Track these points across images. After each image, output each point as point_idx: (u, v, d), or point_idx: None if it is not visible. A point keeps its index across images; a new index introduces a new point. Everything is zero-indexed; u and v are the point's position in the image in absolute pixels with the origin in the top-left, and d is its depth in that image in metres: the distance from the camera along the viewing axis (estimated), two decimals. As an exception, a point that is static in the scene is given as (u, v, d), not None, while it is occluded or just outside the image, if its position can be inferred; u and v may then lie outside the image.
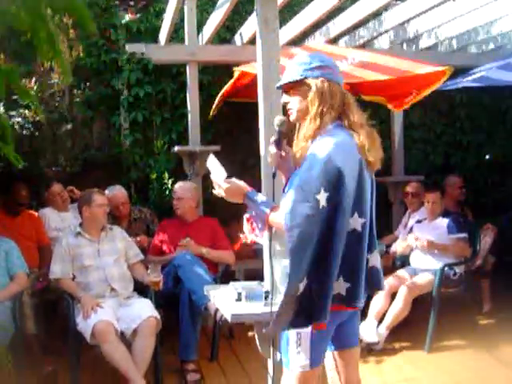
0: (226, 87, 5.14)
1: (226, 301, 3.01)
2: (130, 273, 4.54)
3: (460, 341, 5.05)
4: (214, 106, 5.68)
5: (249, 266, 6.23)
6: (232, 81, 5.08)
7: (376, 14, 6.15)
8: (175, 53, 6.13)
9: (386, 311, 4.95)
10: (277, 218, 2.37)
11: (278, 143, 2.47)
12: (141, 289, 4.54)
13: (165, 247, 5.07)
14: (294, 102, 2.43)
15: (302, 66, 2.42)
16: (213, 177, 2.59)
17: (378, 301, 4.97)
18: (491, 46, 6.88)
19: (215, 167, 2.61)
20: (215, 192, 2.59)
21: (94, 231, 4.50)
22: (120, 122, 6.57)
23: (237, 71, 4.87)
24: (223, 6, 5.01)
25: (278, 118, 2.47)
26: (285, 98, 2.46)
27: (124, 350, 3.94)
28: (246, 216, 2.58)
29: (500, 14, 5.85)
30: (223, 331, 5.00)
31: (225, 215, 6.42)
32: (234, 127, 6.84)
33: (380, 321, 4.95)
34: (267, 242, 2.59)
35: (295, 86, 2.42)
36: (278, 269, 3.00)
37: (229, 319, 2.79)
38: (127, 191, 5.71)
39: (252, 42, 5.81)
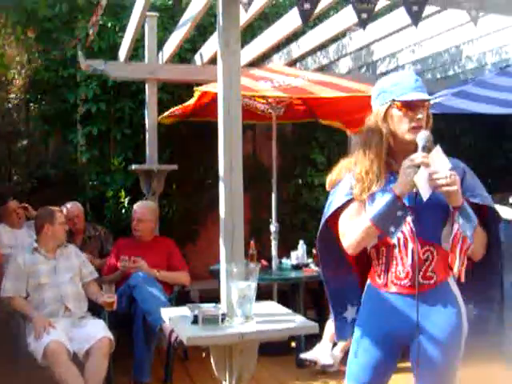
0: (186, 105, 5.09)
1: (182, 323, 2.97)
2: (84, 292, 4.47)
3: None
4: (166, 113, 5.57)
5: (203, 286, 6.21)
6: (193, 101, 5.05)
7: (336, 39, 6.23)
8: (134, 70, 6.09)
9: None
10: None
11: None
12: (94, 309, 4.46)
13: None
14: (424, 120, 2.36)
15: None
16: (437, 167, 2.23)
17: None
18: (448, 72, 7.03)
19: (440, 158, 2.28)
20: (443, 186, 2.18)
21: (51, 248, 4.44)
22: (77, 139, 6.49)
23: (197, 91, 4.86)
24: (185, 25, 5.02)
25: (427, 135, 2.30)
26: (423, 113, 2.35)
27: (76, 372, 3.85)
28: (455, 229, 2.24)
29: (456, 42, 6.00)
30: (178, 352, 4.94)
31: (180, 235, 6.40)
32: (191, 146, 6.83)
33: (335, 343, 4.96)
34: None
35: (427, 106, 2.37)
36: (234, 291, 2.99)
37: (185, 342, 2.75)
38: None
39: (212, 62, 5.83)
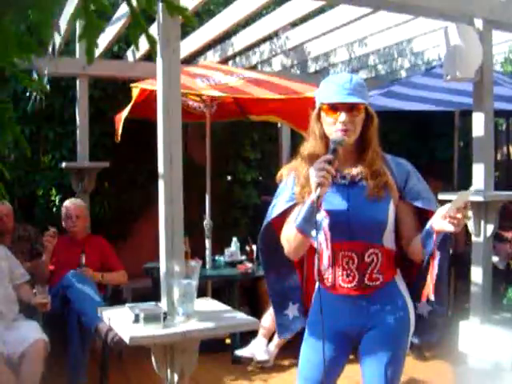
0: (129, 108, 4.92)
1: (123, 323, 2.94)
2: (15, 294, 4.33)
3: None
4: (119, 130, 5.41)
5: (136, 284, 6.14)
6: (133, 100, 4.91)
7: (268, 38, 6.28)
8: (66, 66, 5.93)
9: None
10: None
11: (331, 162, 2.22)
12: (27, 310, 4.35)
13: (55, 267, 4.90)
14: (356, 124, 2.31)
15: (367, 91, 2.35)
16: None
17: (267, 319, 5.02)
18: (378, 72, 7.21)
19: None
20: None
21: (-24, 251, 4.28)
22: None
23: (135, 88, 4.77)
24: (118, 21, 4.95)
25: (339, 137, 2.27)
26: (345, 116, 2.28)
27: (10, 375, 3.74)
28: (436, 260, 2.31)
29: (387, 43, 6.16)
30: (113, 352, 4.87)
31: (113, 233, 6.32)
32: (123, 144, 6.72)
33: (270, 339, 5.02)
34: None
35: (359, 108, 2.32)
36: (176, 289, 2.99)
37: (127, 342, 2.73)
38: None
39: (145, 58, 5.77)
